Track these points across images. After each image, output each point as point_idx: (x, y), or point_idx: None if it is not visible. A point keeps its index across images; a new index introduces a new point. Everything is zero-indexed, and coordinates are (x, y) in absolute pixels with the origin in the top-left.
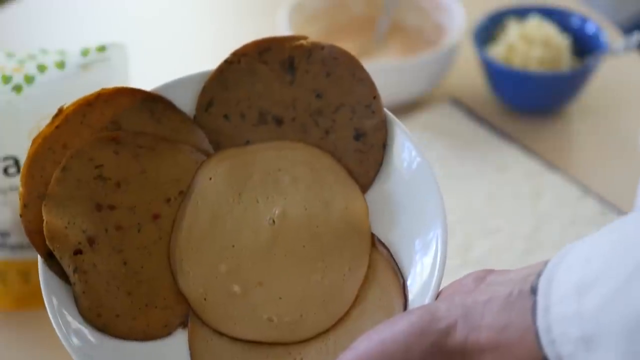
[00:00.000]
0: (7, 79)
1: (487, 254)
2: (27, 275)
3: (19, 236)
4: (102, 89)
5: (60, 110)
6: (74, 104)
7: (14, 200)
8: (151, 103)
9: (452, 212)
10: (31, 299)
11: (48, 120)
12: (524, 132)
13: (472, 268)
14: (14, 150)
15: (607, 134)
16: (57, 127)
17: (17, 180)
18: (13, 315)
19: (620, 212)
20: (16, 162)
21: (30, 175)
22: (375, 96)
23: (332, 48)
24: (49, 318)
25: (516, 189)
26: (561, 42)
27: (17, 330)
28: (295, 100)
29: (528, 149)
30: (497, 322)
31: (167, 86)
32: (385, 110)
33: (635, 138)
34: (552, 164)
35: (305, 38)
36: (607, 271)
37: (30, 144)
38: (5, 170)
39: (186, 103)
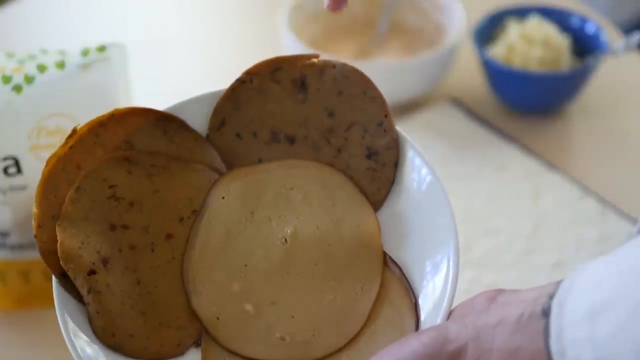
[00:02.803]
0: (7, 79)
1: (487, 254)
2: (27, 275)
3: (19, 236)
4: (116, 109)
5: (74, 131)
6: (87, 124)
7: (14, 201)
8: (164, 122)
9: None
10: (31, 299)
11: (48, 120)
12: (524, 132)
13: (472, 268)
14: (14, 150)
15: (607, 134)
16: (70, 147)
17: (17, 181)
18: (13, 315)
19: (620, 212)
20: (16, 162)
21: (44, 195)
22: (387, 114)
23: (344, 66)
24: (49, 318)
25: (516, 189)
26: (561, 42)
27: (17, 330)
28: (307, 119)
29: (528, 149)
30: (509, 345)
31: (179, 105)
32: (397, 128)
33: (635, 138)
34: (552, 164)
35: (316, 56)
36: (619, 297)
37: (30, 144)
38: (5, 170)
39: (199, 122)
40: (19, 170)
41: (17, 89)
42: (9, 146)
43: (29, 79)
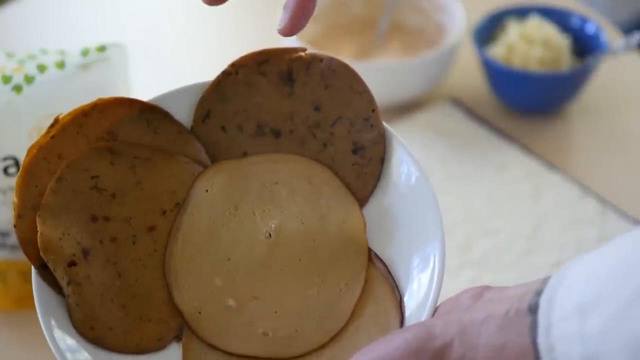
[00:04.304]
0: (7, 79)
1: (487, 254)
2: (27, 275)
3: None
4: (99, 99)
5: (56, 120)
6: (70, 113)
7: None
8: (148, 113)
9: (452, 212)
10: (31, 299)
11: (48, 120)
12: (524, 132)
13: (472, 268)
14: (14, 150)
15: (607, 134)
16: (52, 137)
17: None
18: (13, 315)
19: (620, 212)
20: (16, 162)
21: (24, 185)
22: (374, 109)
23: (331, 60)
24: None
25: (516, 189)
26: (561, 42)
27: (17, 330)
28: (293, 113)
29: (528, 149)
30: (495, 342)
31: (164, 96)
32: (384, 124)
33: (635, 138)
34: (552, 164)
35: (304, 50)
36: (608, 292)
37: (30, 144)
38: (5, 170)
39: (183, 114)
40: (19, 170)
41: (17, 89)
42: (9, 146)
43: (29, 79)
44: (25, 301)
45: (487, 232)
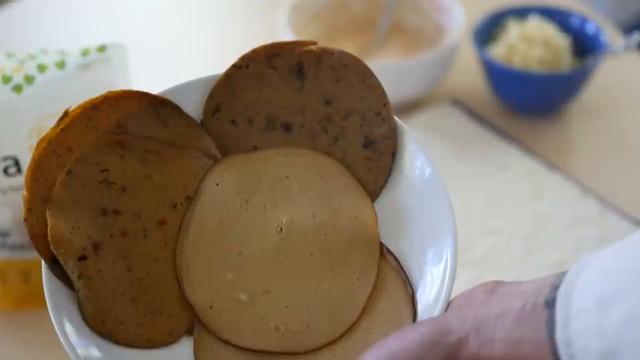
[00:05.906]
0: (7, 79)
1: (487, 254)
2: (27, 275)
3: (19, 236)
4: (109, 92)
5: (65, 113)
6: (79, 106)
7: (14, 201)
8: (158, 107)
9: None
10: (31, 299)
11: (48, 120)
12: (524, 132)
13: (472, 268)
14: (14, 150)
15: (607, 134)
16: (62, 130)
17: (17, 180)
18: (13, 315)
19: (621, 212)
20: (16, 162)
21: (34, 178)
22: (385, 103)
23: (342, 54)
24: (49, 318)
25: (516, 189)
26: (561, 42)
27: (17, 330)
28: (304, 107)
29: (528, 149)
30: (511, 336)
31: (174, 90)
32: (396, 118)
33: (635, 138)
34: (552, 164)
35: (314, 43)
36: (627, 286)
37: (30, 144)
38: (5, 170)
39: (193, 107)
40: (19, 170)
41: (17, 89)
42: (9, 146)
43: (29, 79)
44: (25, 301)
45: (487, 232)
